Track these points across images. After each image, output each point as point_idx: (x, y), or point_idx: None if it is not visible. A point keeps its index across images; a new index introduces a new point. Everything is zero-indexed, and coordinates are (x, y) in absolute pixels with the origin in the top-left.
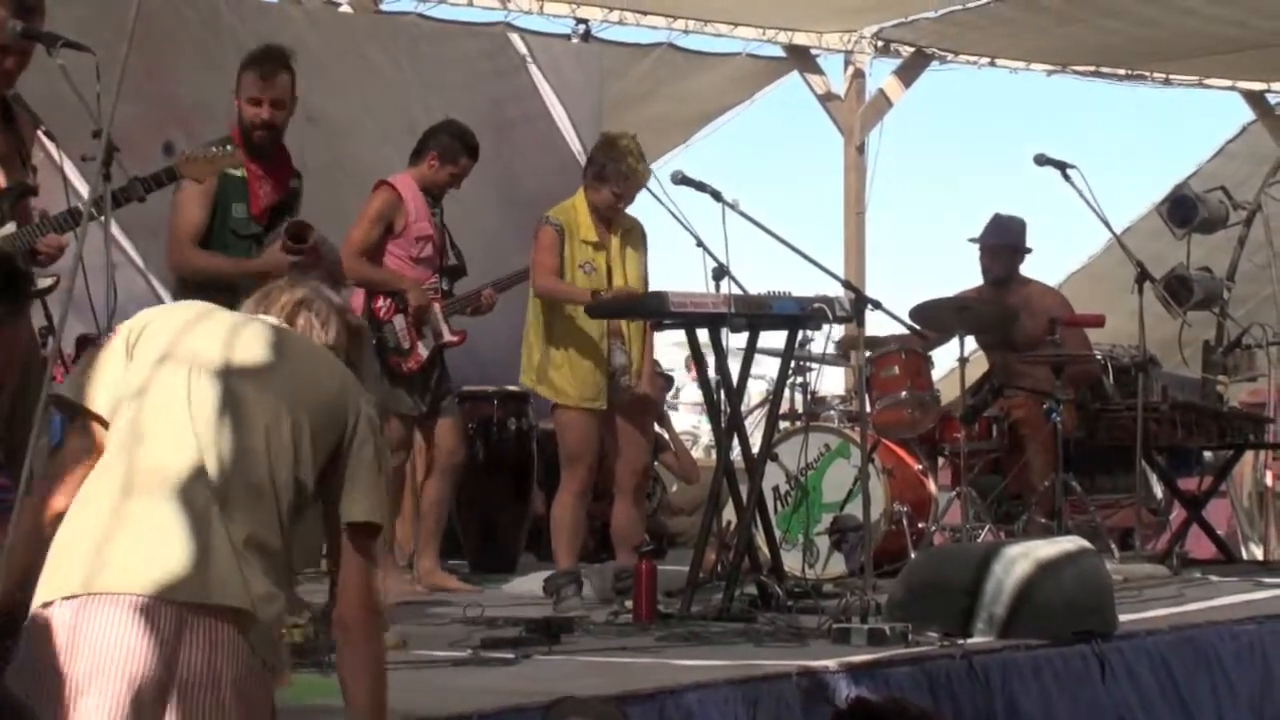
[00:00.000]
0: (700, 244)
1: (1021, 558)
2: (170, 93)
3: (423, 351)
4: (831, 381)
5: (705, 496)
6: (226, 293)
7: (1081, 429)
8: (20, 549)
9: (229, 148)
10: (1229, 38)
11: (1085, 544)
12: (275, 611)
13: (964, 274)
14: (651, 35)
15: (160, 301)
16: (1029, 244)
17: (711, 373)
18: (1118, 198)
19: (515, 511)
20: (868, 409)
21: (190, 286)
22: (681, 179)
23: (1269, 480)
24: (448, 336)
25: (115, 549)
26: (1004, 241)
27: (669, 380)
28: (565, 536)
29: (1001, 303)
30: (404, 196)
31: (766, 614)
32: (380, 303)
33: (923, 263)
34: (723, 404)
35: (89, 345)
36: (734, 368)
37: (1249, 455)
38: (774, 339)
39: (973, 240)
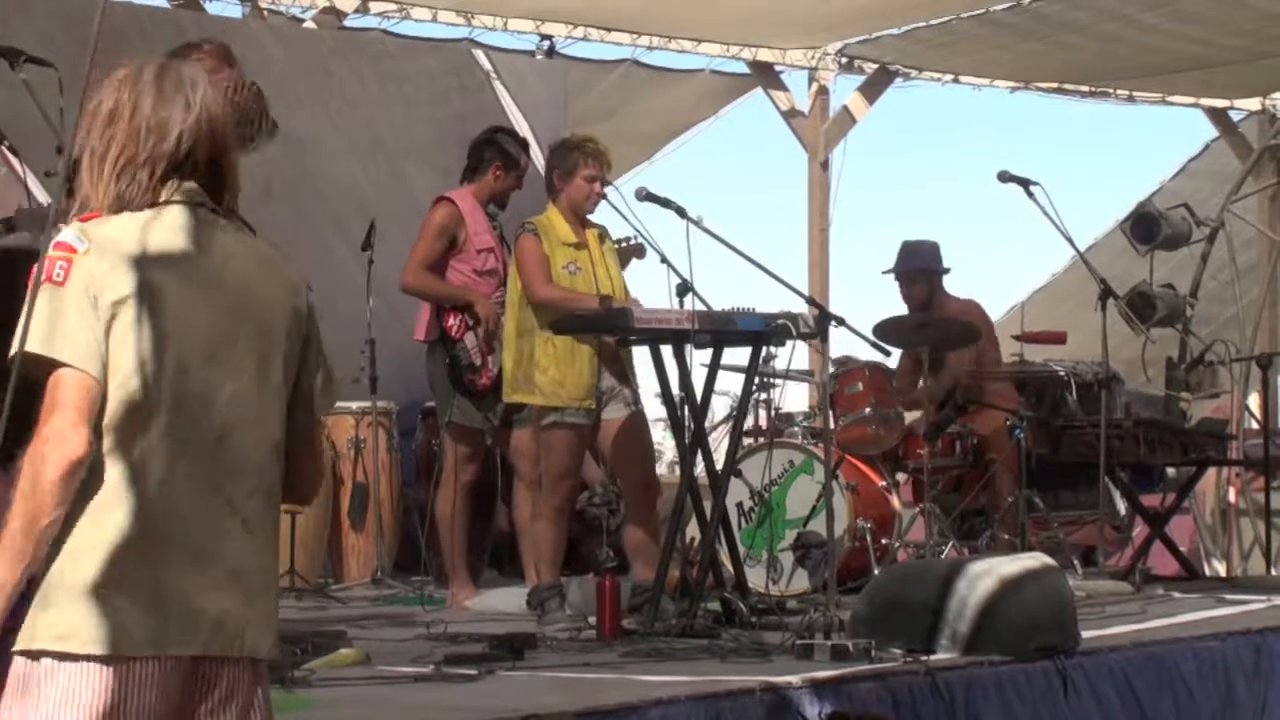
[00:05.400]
0: (664, 260)
1: (985, 574)
2: None
3: (493, 367)
4: (796, 398)
5: (669, 513)
6: None
7: (1044, 446)
8: None
9: None
10: (1192, 55)
11: (1049, 560)
12: None
13: None
14: (616, 52)
15: None
16: (946, 264)
17: (675, 389)
18: (1081, 215)
19: (480, 528)
20: (832, 425)
21: None
22: (646, 195)
23: (1232, 497)
24: None
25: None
26: (916, 265)
27: (636, 395)
28: (549, 552)
29: (970, 319)
30: (463, 210)
31: (730, 630)
32: (451, 320)
33: (887, 279)
34: (687, 420)
35: None
36: (698, 384)
37: (1211, 472)
38: (738, 355)
39: (886, 272)
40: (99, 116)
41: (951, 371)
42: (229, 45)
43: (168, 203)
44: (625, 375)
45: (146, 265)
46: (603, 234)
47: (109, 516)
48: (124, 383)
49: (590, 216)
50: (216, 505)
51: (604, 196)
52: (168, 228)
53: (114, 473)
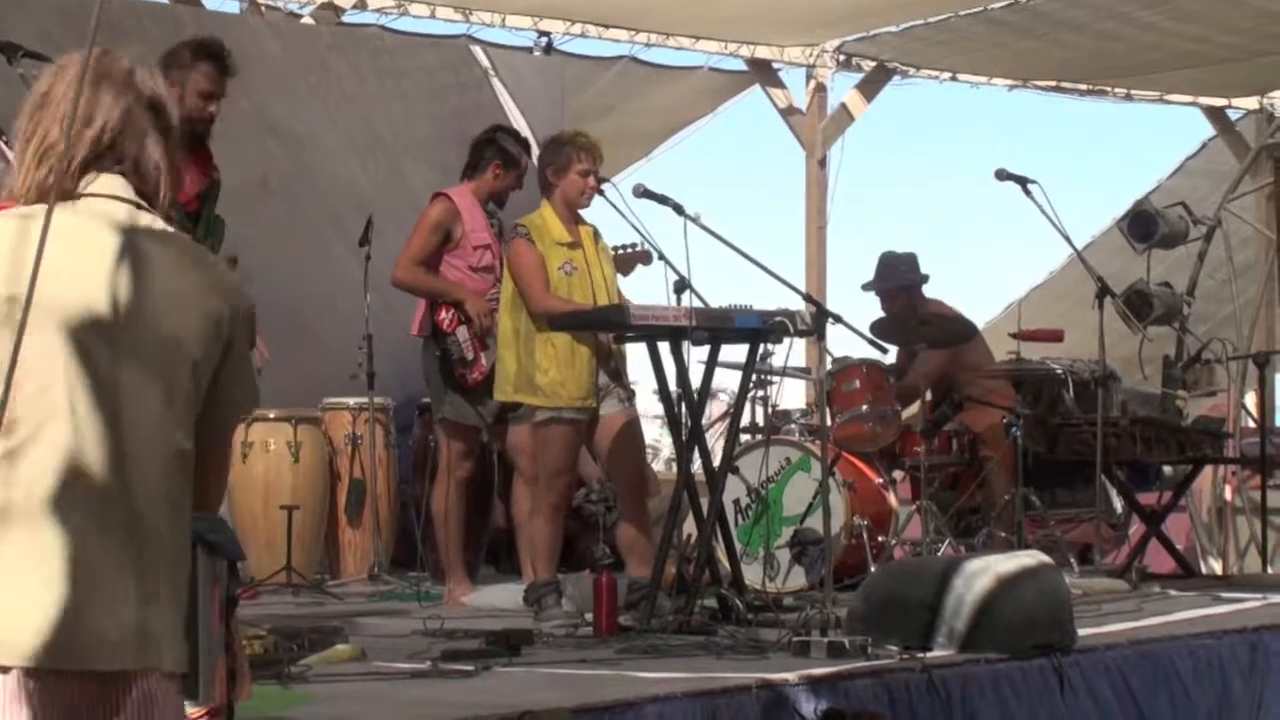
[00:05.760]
0: (662, 257)
1: (981, 572)
2: None
3: (485, 363)
4: (793, 395)
5: (666, 509)
6: None
7: (1041, 444)
8: None
9: None
10: (1190, 53)
11: (1045, 558)
12: None
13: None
14: (614, 48)
15: None
16: (925, 272)
17: (672, 386)
18: (1079, 213)
19: (476, 524)
20: (829, 422)
21: None
22: (643, 192)
23: (1228, 495)
24: None
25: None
26: (894, 283)
27: (630, 393)
28: (545, 548)
29: (960, 316)
30: (460, 207)
31: (726, 627)
32: (444, 314)
33: None
34: (683, 417)
35: None
36: (695, 381)
37: (1208, 470)
38: (735, 352)
39: (865, 287)
40: (32, 101)
41: (919, 371)
42: (222, 60)
43: (82, 195)
44: (618, 373)
45: (48, 261)
46: (596, 233)
47: (3, 525)
48: (13, 386)
49: (587, 213)
50: (119, 516)
51: (598, 190)
52: (77, 222)
53: (6, 480)
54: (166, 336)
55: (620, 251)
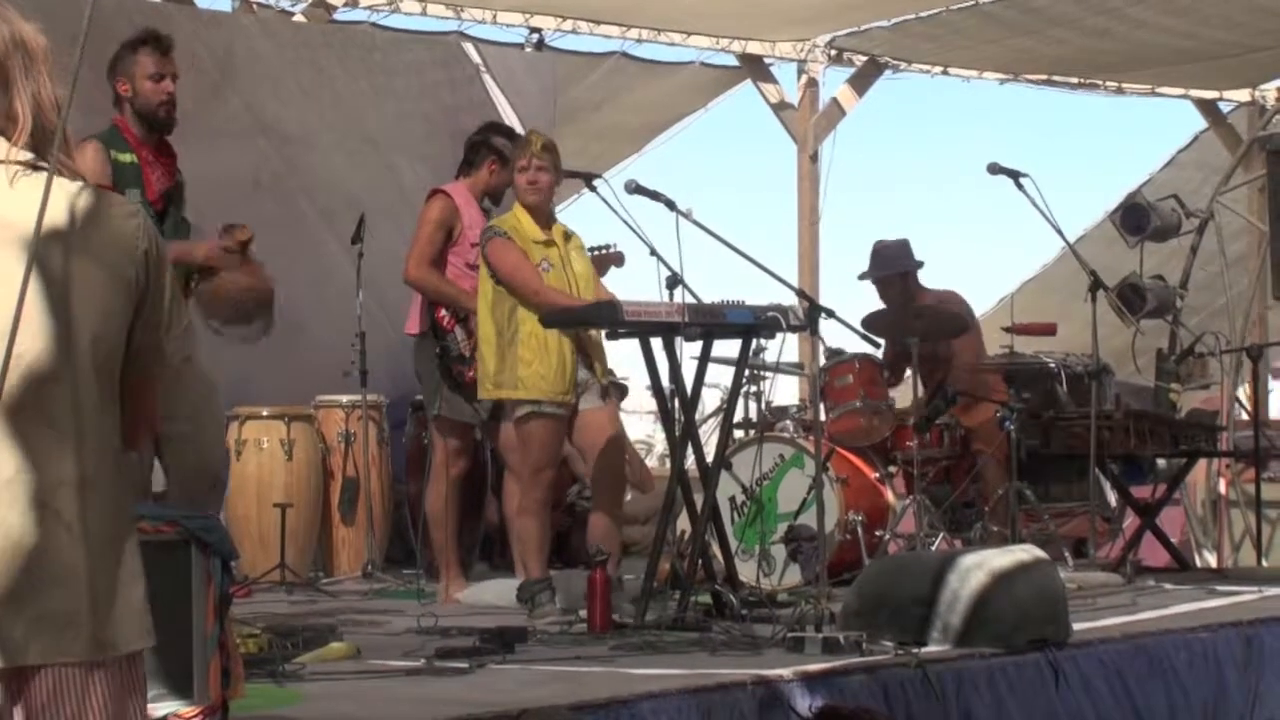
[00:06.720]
0: (654, 253)
1: (976, 567)
2: None
3: None
4: (786, 390)
5: (660, 506)
6: None
7: (1034, 437)
8: None
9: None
10: (1180, 48)
11: (1040, 553)
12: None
13: None
14: (605, 44)
15: None
16: (918, 258)
17: (665, 382)
18: (1071, 206)
19: (470, 521)
20: (822, 417)
21: None
22: (635, 188)
23: (1222, 488)
24: None
25: None
26: (889, 272)
27: (623, 389)
28: (535, 545)
29: (955, 313)
30: (459, 204)
31: (721, 623)
32: (442, 312)
33: None
34: (677, 413)
35: None
36: (688, 377)
37: (1202, 463)
38: (728, 347)
39: (861, 277)
40: None
41: (957, 360)
42: (158, 40)
43: None
44: (592, 367)
45: None
46: (567, 232)
47: None
48: None
49: (578, 211)
50: (14, 489)
51: (537, 185)
52: None
53: None
54: (66, 290)
55: (594, 253)
